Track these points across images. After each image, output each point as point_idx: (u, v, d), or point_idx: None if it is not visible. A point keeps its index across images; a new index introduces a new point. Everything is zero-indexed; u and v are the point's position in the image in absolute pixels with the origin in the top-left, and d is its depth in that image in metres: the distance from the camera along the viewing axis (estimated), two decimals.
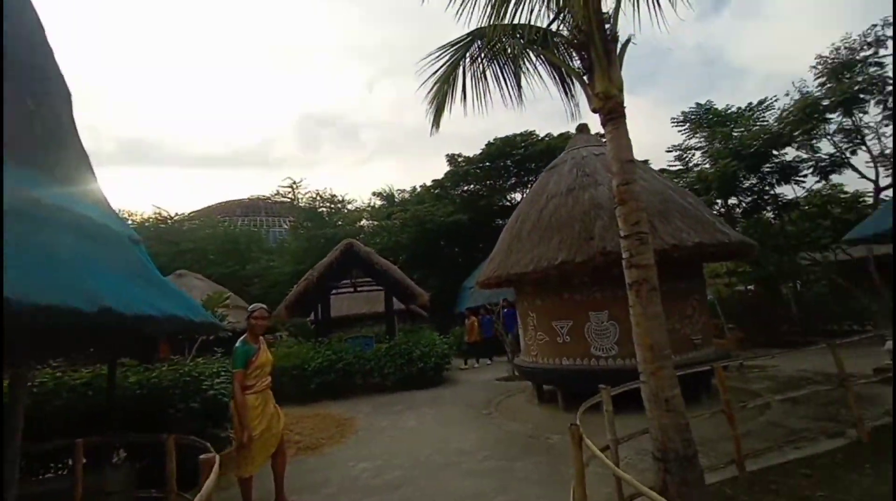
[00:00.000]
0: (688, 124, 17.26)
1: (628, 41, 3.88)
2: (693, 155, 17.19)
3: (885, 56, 12.14)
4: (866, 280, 10.96)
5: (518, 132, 22.48)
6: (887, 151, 12.99)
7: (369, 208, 29.51)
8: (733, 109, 16.38)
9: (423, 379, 10.02)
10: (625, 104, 3.78)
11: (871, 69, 12.28)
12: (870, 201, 12.72)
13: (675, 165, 17.73)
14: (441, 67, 4.84)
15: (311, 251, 20.39)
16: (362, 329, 14.99)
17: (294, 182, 28.78)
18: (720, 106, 16.74)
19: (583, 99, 4.30)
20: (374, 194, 30.38)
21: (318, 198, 27.85)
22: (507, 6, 4.50)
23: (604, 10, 3.91)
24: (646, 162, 15.69)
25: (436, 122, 5.12)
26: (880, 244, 9.80)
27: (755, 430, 4.97)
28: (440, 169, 32.16)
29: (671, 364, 3.40)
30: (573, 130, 9.32)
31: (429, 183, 25.68)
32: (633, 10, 3.94)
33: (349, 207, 28.93)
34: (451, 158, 24.28)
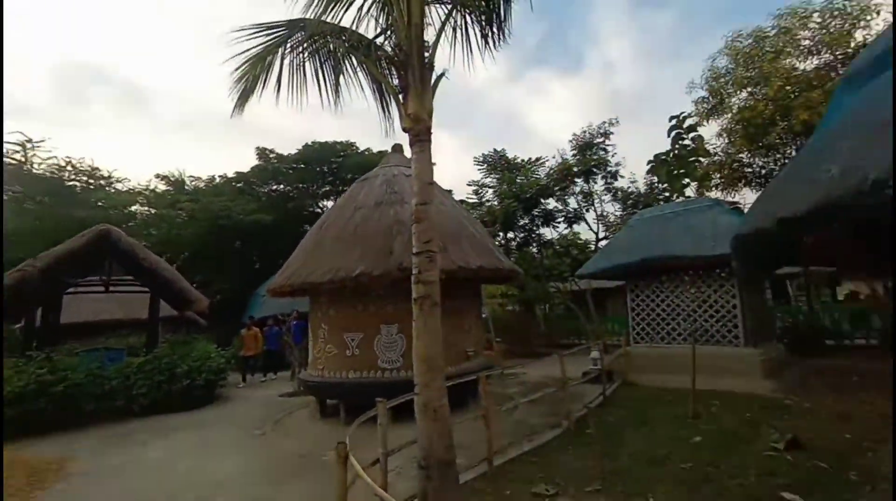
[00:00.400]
0: (486, 165, 20.34)
1: (442, 74, 4.29)
2: (486, 192, 20.23)
3: (608, 145, 17.57)
4: (586, 306, 14.75)
5: (339, 140, 22.04)
6: (605, 214, 18.36)
7: (148, 192, 23.59)
8: (519, 160, 20.06)
9: (188, 399, 8.43)
10: (432, 131, 4.09)
11: (601, 153, 17.15)
12: (593, 247, 17.39)
13: (473, 198, 20.53)
14: (257, 46, 4.39)
15: (44, 235, 15.01)
16: (109, 339, 11.77)
17: (29, 140, 20.53)
18: (511, 155, 20.30)
19: (398, 119, 4.49)
20: (157, 176, 24.42)
21: (70, 168, 20.65)
22: (336, 6, 4.43)
23: (427, 39, 4.24)
24: (450, 191, 17.52)
25: (240, 104, 4.67)
26: (596, 279, 13.52)
27: (506, 429, 5.85)
28: (248, 162, 28.38)
29: (443, 376, 3.70)
30: (391, 149, 9.64)
31: (231, 175, 22.56)
32: (450, 49, 4.74)
33: (118, 186, 22.54)
34: (262, 153, 21.99)
